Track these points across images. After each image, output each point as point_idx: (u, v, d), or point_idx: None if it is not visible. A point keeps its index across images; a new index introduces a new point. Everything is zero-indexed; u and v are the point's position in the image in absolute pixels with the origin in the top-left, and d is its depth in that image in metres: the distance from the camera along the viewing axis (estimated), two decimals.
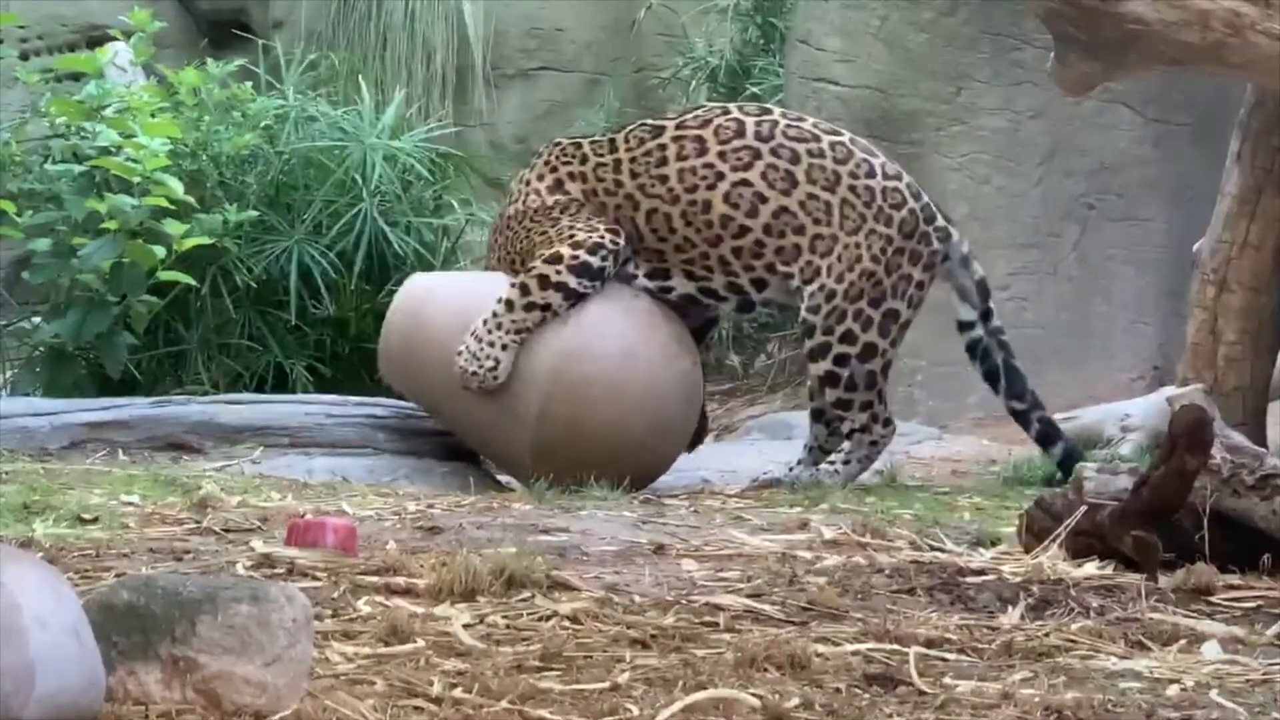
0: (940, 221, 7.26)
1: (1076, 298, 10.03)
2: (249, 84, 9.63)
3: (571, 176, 7.22)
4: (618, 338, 7.07)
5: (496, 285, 7.14)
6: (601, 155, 7.23)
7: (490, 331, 6.98)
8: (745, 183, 7.11)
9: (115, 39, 9.81)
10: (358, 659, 3.77)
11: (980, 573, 4.88)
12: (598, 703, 3.48)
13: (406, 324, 7.32)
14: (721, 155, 7.12)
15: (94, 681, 3.07)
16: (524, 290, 7.00)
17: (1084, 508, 5.08)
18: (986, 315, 7.30)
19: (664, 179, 7.15)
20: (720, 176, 7.12)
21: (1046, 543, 5.07)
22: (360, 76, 10.85)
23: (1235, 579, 4.87)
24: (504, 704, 3.42)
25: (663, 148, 7.18)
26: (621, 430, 6.96)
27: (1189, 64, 6.76)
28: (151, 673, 3.18)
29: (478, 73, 12.18)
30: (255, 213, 9.04)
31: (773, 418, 9.68)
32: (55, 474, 6.51)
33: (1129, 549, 4.92)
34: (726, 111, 7.30)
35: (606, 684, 3.62)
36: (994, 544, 5.42)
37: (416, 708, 3.40)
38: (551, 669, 3.76)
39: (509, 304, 6.99)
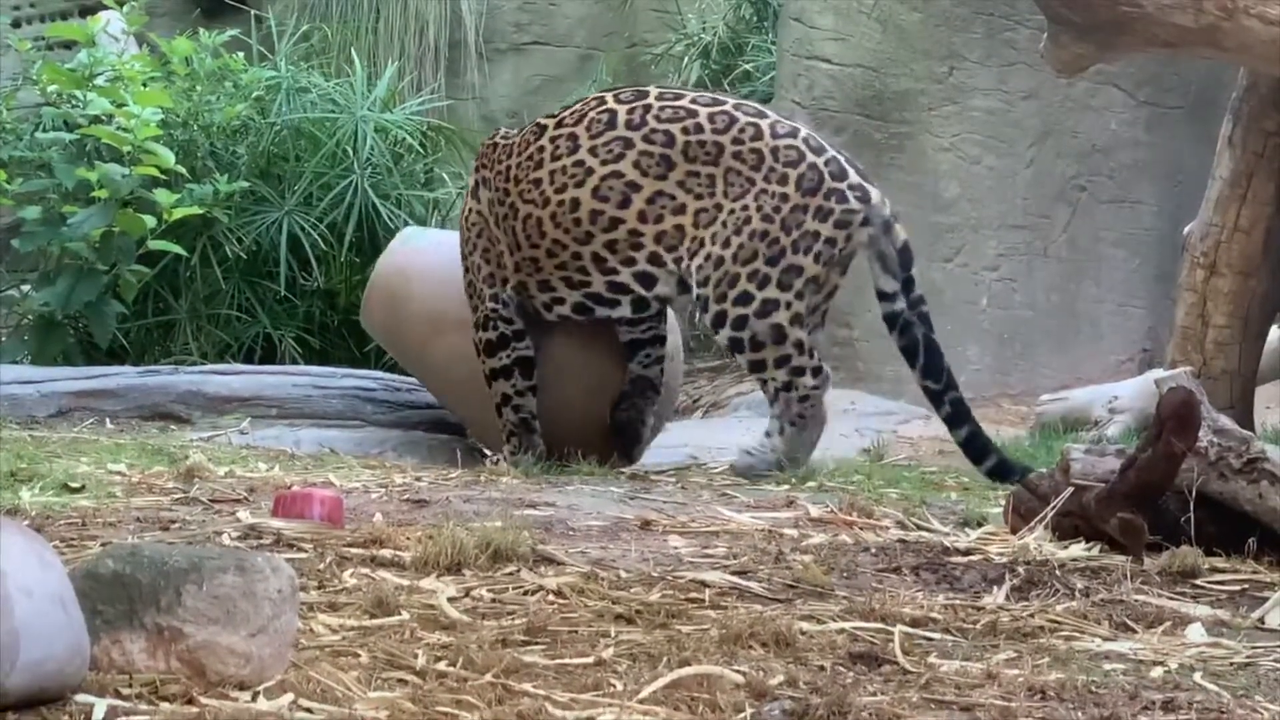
0: (855, 179, 6.81)
1: (1066, 279, 10.04)
2: (241, 54, 9.61)
3: (484, 183, 7.11)
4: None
5: None
6: (501, 161, 7.08)
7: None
8: (616, 174, 6.87)
9: (108, 7, 9.80)
10: (342, 631, 3.77)
11: (966, 553, 4.89)
12: (582, 677, 3.48)
13: (393, 280, 7.39)
14: (592, 150, 6.90)
15: (79, 650, 3.06)
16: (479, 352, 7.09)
17: (1070, 489, 5.08)
18: (908, 285, 6.86)
19: (537, 183, 6.96)
20: (590, 172, 6.89)
21: (1033, 523, 5.07)
22: (353, 49, 10.84)
23: (1220, 562, 4.87)
24: (488, 677, 3.42)
25: (541, 150, 6.99)
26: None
27: (1182, 47, 6.76)
28: (136, 642, 3.18)
29: (470, 46, 12.16)
30: (246, 183, 9.04)
31: (760, 395, 9.66)
32: (42, 442, 6.50)
33: (1115, 531, 4.92)
34: (602, 102, 7.03)
35: (591, 659, 3.62)
36: (980, 524, 5.42)
37: (400, 680, 3.40)
38: (536, 643, 3.76)
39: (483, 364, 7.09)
